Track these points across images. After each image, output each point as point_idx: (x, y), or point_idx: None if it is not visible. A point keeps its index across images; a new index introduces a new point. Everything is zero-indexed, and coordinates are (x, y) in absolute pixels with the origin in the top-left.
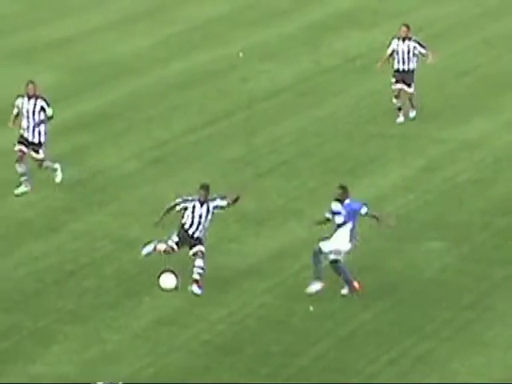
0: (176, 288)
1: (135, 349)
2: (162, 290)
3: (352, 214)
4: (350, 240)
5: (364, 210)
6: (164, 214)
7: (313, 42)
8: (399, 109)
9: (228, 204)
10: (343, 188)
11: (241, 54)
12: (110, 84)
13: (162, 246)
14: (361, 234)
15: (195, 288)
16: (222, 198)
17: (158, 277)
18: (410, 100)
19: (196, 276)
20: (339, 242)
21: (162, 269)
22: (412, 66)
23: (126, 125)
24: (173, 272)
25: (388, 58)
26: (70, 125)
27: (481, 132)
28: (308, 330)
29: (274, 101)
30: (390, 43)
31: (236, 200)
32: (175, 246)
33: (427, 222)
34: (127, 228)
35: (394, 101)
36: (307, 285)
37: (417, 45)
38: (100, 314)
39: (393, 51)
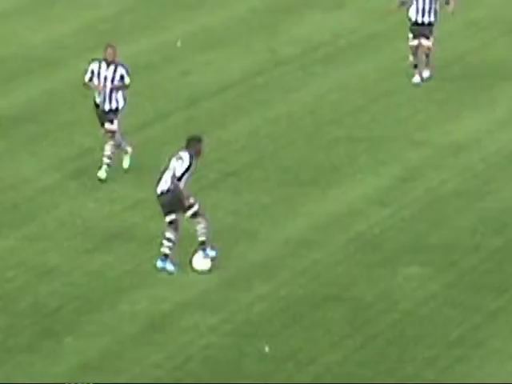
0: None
1: None
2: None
3: None
4: None
5: None
6: None
7: (267, 28)
8: (415, 66)
9: None
10: None
11: (179, 43)
12: (22, 81)
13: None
14: (326, 259)
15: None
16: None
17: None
18: (427, 56)
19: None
20: None
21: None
22: (433, 17)
23: (42, 129)
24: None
25: (399, 6)
26: None
27: (469, 132)
28: (262, 375)
29: (220, 99)
30: None
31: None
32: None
33: (405, 243)
34: (44, 255)
35: (411, 58)
36: (261, 321)
37: None
38: (13, 358)
39: None
